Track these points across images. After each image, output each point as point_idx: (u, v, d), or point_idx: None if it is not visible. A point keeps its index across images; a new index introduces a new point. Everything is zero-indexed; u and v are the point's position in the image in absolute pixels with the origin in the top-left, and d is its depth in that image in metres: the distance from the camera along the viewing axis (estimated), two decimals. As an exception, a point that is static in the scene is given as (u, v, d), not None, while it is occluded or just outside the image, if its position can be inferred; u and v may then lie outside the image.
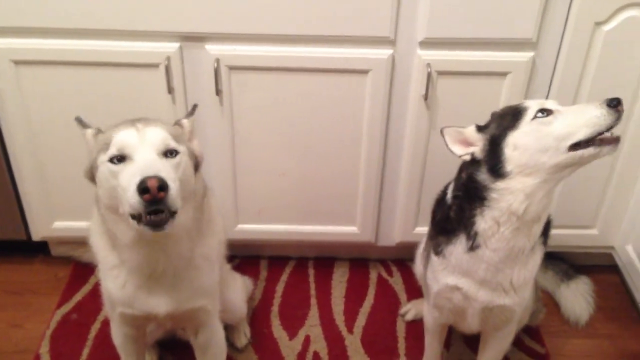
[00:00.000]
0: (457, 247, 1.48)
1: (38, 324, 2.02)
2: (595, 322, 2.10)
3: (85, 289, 2.15)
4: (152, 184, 1.11)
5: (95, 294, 2.07)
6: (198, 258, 1.40)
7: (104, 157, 1.22)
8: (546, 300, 2.14)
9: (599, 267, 2.29)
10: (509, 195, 1.36)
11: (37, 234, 2.13)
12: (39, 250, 2.29)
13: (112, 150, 1.20)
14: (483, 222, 1.41)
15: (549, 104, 1.35)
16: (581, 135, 1.29)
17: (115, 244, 1.33)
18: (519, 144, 1.34)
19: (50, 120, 1.87)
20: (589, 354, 2.00)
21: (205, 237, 1.42)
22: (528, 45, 1.77)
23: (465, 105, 1.85)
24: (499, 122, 1.40)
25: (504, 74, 1.80)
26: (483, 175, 1.40)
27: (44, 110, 1.86)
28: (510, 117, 1.38)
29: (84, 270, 2.20)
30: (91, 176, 1.29)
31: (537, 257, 1.50)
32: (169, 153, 1.23)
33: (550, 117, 1.33)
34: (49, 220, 2.09)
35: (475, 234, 1.43)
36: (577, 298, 2.12)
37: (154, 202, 1.12)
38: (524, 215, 1.38)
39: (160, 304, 1.39)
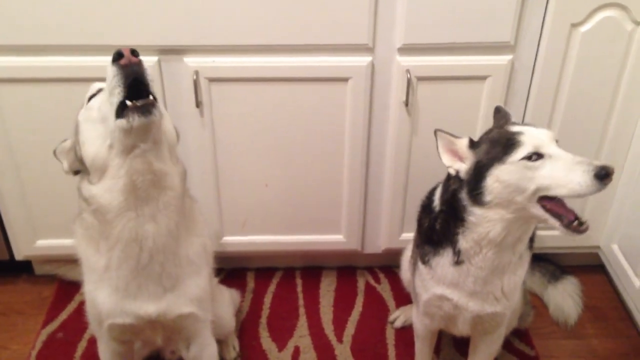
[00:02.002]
0: (444, 259, 1.47)
1: (23, 345, 2.00)
2: (583, 322, 2.11)
3: (71, 307, 2.13)
4: (126, 50, 1.15)
5: (81, 312, 2.04)
6: (183, 255, 1.39)
7: (82, 110, 1.26)
8: (534, 302, 2.14)
9: (585, 267, 2.29)
10: (487, 223, 1.37)
11: (20, 253, 2.11)
12: (23, 269, 2.26)
13: (91, 92, 1.26)
14: (465, 242, 1.41)
15: (545, 147, 1.31)
16: (557, 193, 1.28)
17: (104, 229, 1.29)
18: (501, 179, 1.32)
19: (30, 138, 1.86)
20: (578, 355, 2.00)
21: (189, 236, 1.41)
22: (506, 49, 1.78)
23: (446, 110, 1.86)
24: (489, 149, 1.37)
25: (483, 78, 1.81)
26: (464, 196, 1.39)
27: (23, 128, 1.84)
28: (500, 148, 1.34)
29: (68, 288, 2.18)
30: (73, 163, 1.32)
31: (525, 262, 1.50)
32: None
33: (538, 163, 1.29)
34: (31, 239, 2.06)
35: (459, 251, 1.43)
36: (564, 299, 2.13)
37: (131, 71, 1.14)
38: (503, 242, 1.38)
39: (149, 305, 1.37)
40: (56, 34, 1.69)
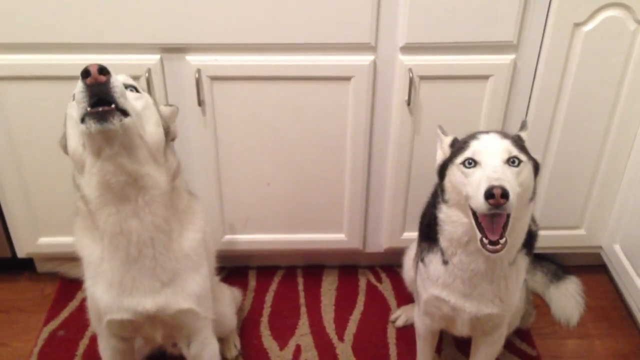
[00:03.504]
0: (437, 257, 1.48)
1: (25, 342, 2.00)
2: (585, 322, 2.10)
3: (73, 304, 2.13)
4: (92, 67, 1.12)
5: (83, 310, 2.05)
6: (177, 249, 1.39)
7: (69, 105, 1.26)
8: (536, 302, 2.14)
9: (587, 267, 2.29)
10: (451, 223, 1.38)
11: (22, 251, 2.11)
12: (25, 267, 2.27)
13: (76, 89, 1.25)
14: (443, 241, 1.43)
15: (482, 154, 1.30)
16: (471, 204, 1.28)
17: (93, 219, 1.31)
18: (450, 179, 1.36)
19: (32, 136, 1.86)
20: (580, 355, 1.99)
21: (184, 230, 1.41)
22: (509, 48, 1.78)
23: (449, 109, 1.85)
24: (453, 150, 1.40)
25: (486, 77, 1.81)
26: (439, 192, 1.42)
27: (26, 126, 1.84)
28: (456, 150, 1.37)
29: (70, 286, 2.19)
30: (64, 148, 1.33)
31: (520, 268, 1.48)
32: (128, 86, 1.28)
33: (470, 170, 1.30)
34: (33, 237, 2.07)
35: (441, 249, 1.45)
36: (567, 299, 2.13)
37: (97, 90, 1.12)
38: (469, 247, 1.38)
39: (147, 300, 1.37)
40: (58, 32, 1.69)
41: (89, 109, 1.13)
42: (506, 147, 1.30)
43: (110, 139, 1.17)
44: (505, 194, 1.20)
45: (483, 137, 1.34)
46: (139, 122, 1.23)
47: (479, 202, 1.23)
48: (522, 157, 1.31)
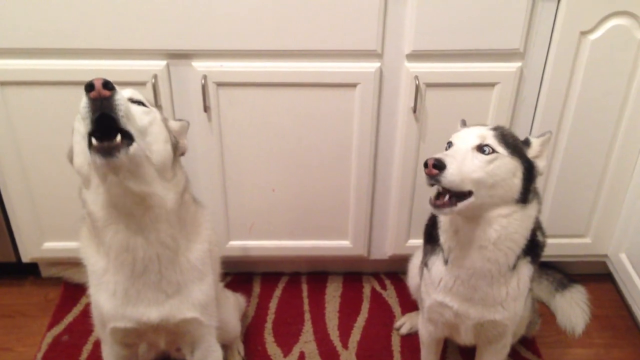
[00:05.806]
0: (439, 258, 1.49)
1: (29, 347, 2.00)
2: (590, 331, 2.09)
3: (77, 309, 2.13)
4: (97, 81, 1.10)
5: (87, 315, 2.05)
6: (184, 262, 1.38)
7: (77, 118, 1.23)
8: (542, 310, 2.13)
9: (592, 275, 2.28)
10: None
11: (26, 256, 2.11)
12: (29, 272, 2.27)
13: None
14: (441, 234, 1.45)
15: (457, 138, 1.36)
16: None
17: (98, 234, 1.30)
18: None
19: (38, 141, 1.86)
20: (585, 364, 1.99)
21: (191, 242, 1.41)
22: (515, 56, 1.78)
23: (455, 116, 1.84)
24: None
25: (492, 85, 1.80)
26: None
27: (31, 131, 1.85)
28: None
29: (74, 291, 2.19)
30: (71, 159, 1.31)
31: (523, 275, 1.46)
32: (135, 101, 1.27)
33: (447, 151, 1.35)
34: (38, 241, 2.07)
35: (441, 246, 1.46)
36: (572, 307, 2.12)
37: (100, 104, 1.10)
38: (458, 237, 1.39)
39: (151, 311, 1.37)
40: (64, 37, 1.70)
41: (94, 142, 1.11)
42: (480, 134, 1.33)
43: (115, 168, 1.16)
44: (437, 166, 1.24)
45: (471, 126, 1.41)
46: (144, 141, 1.20)
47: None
48: (500, 149, 1.31)
